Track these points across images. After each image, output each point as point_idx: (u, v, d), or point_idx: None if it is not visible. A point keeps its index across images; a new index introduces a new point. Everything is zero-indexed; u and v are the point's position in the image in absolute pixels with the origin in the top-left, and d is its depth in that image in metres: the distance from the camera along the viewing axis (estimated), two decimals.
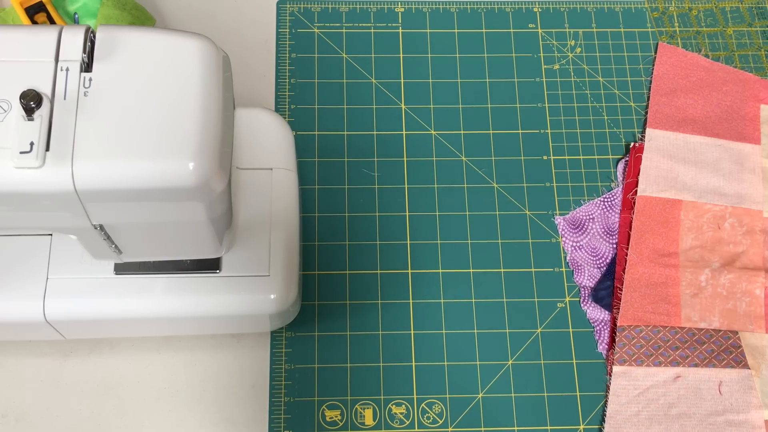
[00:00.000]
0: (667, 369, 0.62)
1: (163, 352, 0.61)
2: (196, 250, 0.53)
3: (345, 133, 0.69)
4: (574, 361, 0.63)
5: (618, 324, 0.63)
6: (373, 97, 0.71)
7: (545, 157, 0.70)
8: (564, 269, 0.66)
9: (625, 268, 0.65)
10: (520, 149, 0.70)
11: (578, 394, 0.62)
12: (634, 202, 0.67)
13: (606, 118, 0.72)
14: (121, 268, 0.55)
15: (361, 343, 0.63)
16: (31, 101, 0.38)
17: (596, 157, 0.70)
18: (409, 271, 0.65)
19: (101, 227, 0.44)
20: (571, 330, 0.64)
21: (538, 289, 0.65)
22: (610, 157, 0.70)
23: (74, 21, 0.65)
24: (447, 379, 0.62)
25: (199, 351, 0.61)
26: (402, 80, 0.72)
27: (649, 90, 0.72)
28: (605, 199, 0.68)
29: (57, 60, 0.40)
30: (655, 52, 0.74)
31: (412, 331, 0.63)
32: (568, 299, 0.65)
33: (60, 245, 0.56)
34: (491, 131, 0.70)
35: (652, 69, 0.73)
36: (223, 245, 0.53)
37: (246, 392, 0.60)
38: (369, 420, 0.61)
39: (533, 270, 0.66)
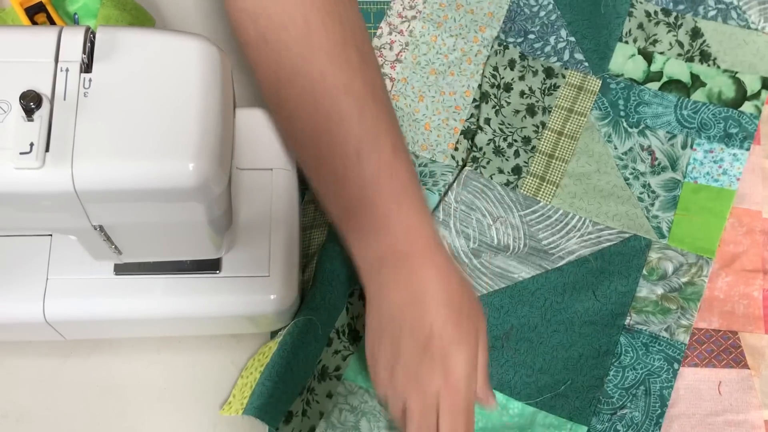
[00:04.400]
0: None
1: (163, 353, 0.61)
2: (196, 251, 0.52)
3: None
4: None
5: None
6: None
7: None
8: None
9: None
10: None
11: None
12: None
13: None
14: (120, 269, 0.55)
15: None
16: (30, 102, 0.38)
17: None
18: None
19: (101, 228, 0.44)
20: None
21: None
22: None
23: (74, 21, 0.65)
24: None
25: (199, 351, 0.61)
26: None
27: None
28: None
29: (57, 60, 0.40)
30: None
31: None
32: None
33: (60, 246, 0.56)
34: None
35: None
36: (223, 246, 0.53)
37: None
38: None
39: None
